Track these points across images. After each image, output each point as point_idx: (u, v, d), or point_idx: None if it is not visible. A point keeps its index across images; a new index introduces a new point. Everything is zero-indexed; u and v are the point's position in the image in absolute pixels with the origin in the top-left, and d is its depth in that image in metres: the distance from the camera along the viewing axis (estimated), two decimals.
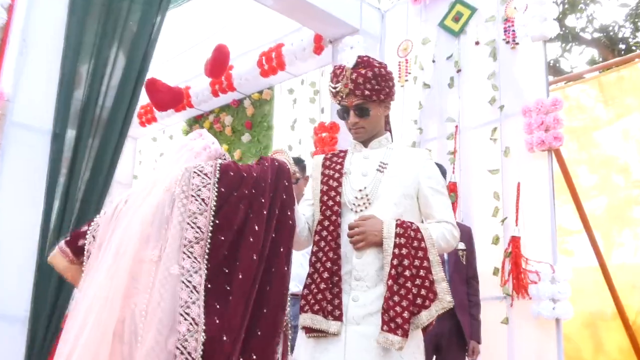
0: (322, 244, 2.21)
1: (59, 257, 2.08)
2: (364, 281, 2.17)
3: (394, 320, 2.05)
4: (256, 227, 2.00)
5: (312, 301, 2.15)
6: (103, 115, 3.49)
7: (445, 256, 3.62)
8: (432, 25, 5.00)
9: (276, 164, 2.18)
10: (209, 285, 1.91)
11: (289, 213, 2.11)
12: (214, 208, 2.00)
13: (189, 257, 1.91)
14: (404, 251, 2.14)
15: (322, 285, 2.15)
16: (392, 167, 2.30)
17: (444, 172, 3.83)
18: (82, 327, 1.83)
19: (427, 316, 2.11)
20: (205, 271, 1.91)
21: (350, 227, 2.20)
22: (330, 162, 2.38)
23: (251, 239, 1.98)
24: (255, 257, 1.96)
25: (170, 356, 1.79)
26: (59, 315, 3.28)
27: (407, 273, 2.12)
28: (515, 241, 4.06)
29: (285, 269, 2.04)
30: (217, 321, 1.87)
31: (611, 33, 10.08)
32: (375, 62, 2.35)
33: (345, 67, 2.35)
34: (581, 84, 5.64)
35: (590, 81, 5.68)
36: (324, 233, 2.22)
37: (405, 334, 2.04)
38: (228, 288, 1.93)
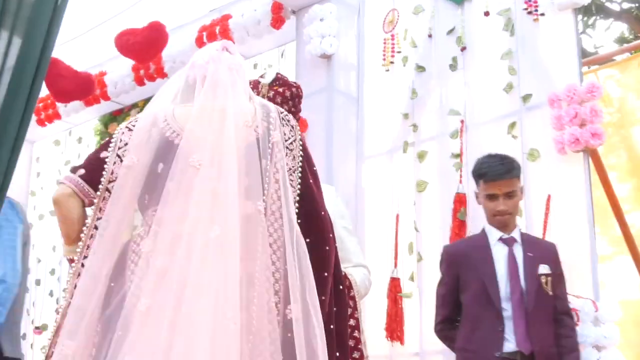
0: None
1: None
2: None
3: None
4: (323, 213, 2.19)
5: None
6: None
7: (524, 285, 3.30)
8: None
9: None
10: None
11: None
12: (299, 169, 2.16)
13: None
14: None
15: None
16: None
17: (519, 167, 3.50)
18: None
19: None
20: None
21: None
22: None
23: (322, 218, 2.17)
24: (332, 235, 2.18)
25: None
26: None
27: None
28: None
29: None
30: None
31: None
32: (289, 81, 2.70)
33: (260, 82, 2.69)
34: (609, 69, 5.57)
35: (620, 64, 5.59)
36: None
37: None
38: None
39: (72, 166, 2.18)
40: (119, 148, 2.09)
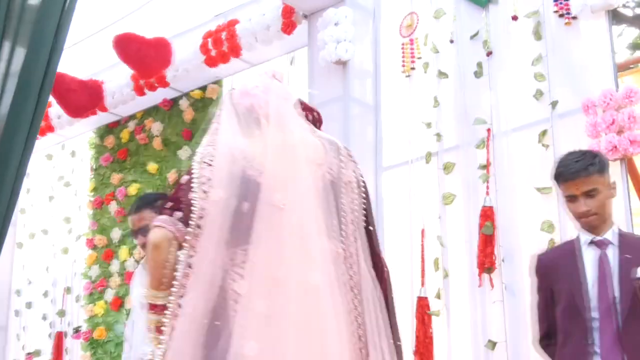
0: None
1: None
2: None
3: None
4: (379, 249, 2.37)
5: None
6: None
7: (616, 293, 3.00)
8: None
9: None
10: None
11: None
12: (363, 207, 2.28)
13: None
14: None
15: None
16: None
17: (601, 162, 3.19)
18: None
19: None
20: None
21: None
22: None
23: (380, 255, 2.36)
24: (387, 273, 2.34)
25: None
26: None
27: None
28: None
29: None
30: None
31: None
32: (310, 105, 2.71)
33: None
34: (627, 76, 5.55)
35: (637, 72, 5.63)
36: None
37: None
38: None
39: (162, 207, 2.23)
40: (203, 183, 2.14)
